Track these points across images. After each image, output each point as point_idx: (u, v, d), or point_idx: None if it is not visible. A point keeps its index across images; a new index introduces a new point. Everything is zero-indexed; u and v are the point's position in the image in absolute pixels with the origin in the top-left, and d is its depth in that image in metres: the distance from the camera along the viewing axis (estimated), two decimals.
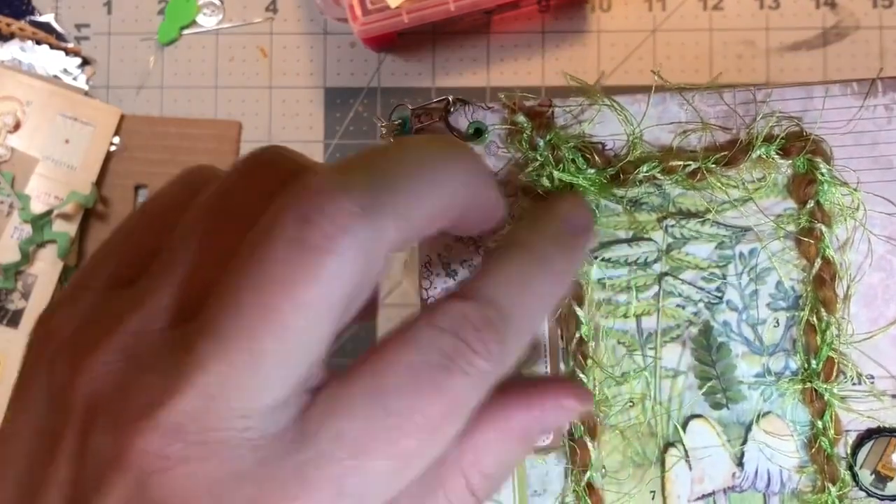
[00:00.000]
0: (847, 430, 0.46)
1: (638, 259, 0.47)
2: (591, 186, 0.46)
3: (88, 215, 0.91)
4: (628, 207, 0.46)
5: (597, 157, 0.46)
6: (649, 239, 0.47)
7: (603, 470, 0.47)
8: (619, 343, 0.47)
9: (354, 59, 0.89)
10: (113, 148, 0.90)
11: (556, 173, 0.46)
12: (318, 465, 0.32)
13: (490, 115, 0.47)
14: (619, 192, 0.46)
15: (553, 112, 0.46)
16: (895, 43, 0.90)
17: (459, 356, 0.34)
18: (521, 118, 0.46)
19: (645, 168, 0.45)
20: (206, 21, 0.91)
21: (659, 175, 0.46)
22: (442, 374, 0.34)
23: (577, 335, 0.47)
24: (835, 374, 0.46)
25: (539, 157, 0.46)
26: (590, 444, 0.47)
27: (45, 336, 0.37)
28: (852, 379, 0.46)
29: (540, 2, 0.87)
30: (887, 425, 0.46)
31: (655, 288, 0.47)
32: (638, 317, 0.47)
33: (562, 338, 0.47)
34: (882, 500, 0.46)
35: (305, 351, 0.33)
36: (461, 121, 0.46)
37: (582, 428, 0.47)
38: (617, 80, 0.85)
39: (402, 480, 0.34)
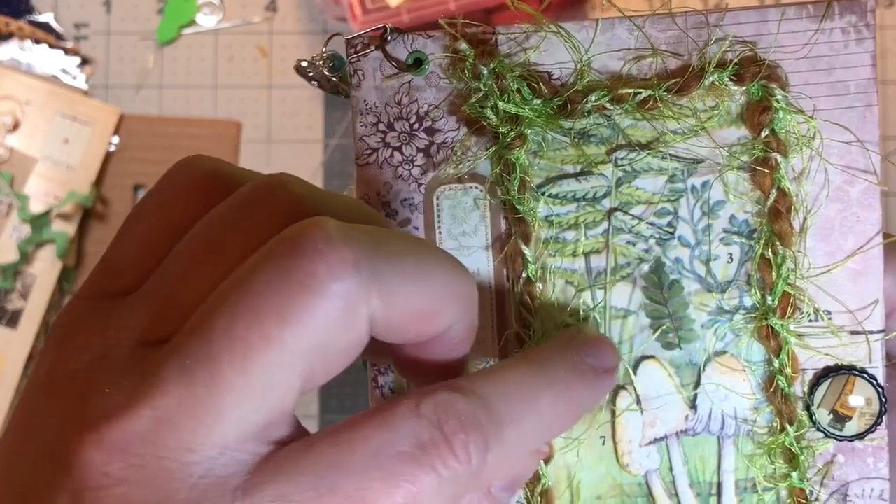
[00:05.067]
0: (803, 369, 0.42)
1: (586, 194, 0.43)
2: (537, 118, 0.42)
3: (87, 215, 0.88)
4: (576, 140, 0.43)
5: (543, 87, 0.42)
6: (598, 173, 0.43)
7: None
8: (567, 283, 0.43)
9: None
10: (112, 147, 0.88)
11: (500, 104, 0.42)
12: None
13: (430, 43, 0.42)
14: (567, 123, 0.42)
15: (497, 39, 0.42)
16: (895, 43, 0.88)
17: (434, 451, 0.31)
18: (463, 46, 0.42)
19: (593, 97, 0.42)
20: (206, 20, 0.90)
21: (608, 104, 0.42)
22: (408, 466, 0.31)
23: (524, 275, 0.43)
24: (791, 310, 0.41)
25: (482, 87, 0.42)
26: None
27: (48, 340, 0.35)
28: (809, 315, 0.42)
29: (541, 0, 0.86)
30: (845, 363, 0.42)
31: (605, 224, 0.43)
32: (587, 255, 0.43)
33: (508, 278, 0.43)
34: (840, 440, 0.42)
35: (267, 394, 0.30)
36: (400, 50, 0.42)
37: None
38: None
39: None
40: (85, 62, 0.89)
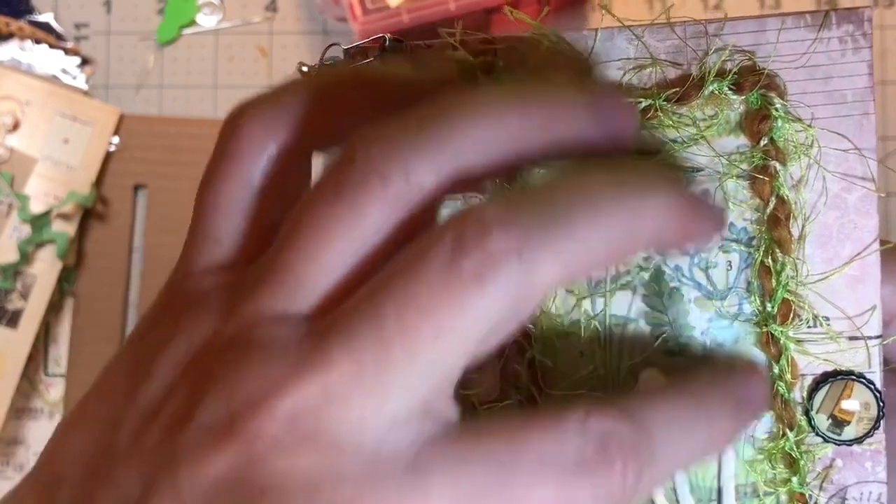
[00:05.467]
0: (802, 375, 0.42)
1: None
2: None
3: (88, 215, 0.88)
4: None
5: None
6: None
7: None
8: (567, 292, 0.43)
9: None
10: (112, 148, 0.88)
11: None
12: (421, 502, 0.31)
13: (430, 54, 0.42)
14: None
15: (497, 49, 0.42)
16: (895, 43, 0.88)
17: (595, 470, 0.32)
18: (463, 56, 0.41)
19: None
20: (206, 20, 0.90)
21: None
22: (571, 479, 0.32)
23: None
24: (791, 316, 0.42)
25: None
26: (538, 398, 0.44)
27: (176, 295, 0.36)
28: (807, 321, 0.42)
29: (540, 1, 0.86)
30: (843, 368, 0.42)
31: None
32: None
33: None
34: (839, 444, 0.42)
35: (434, 376, 0.32)
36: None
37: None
38: None
39: None
40: (85, 62, 0.89)
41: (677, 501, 0.43)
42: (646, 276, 0.43)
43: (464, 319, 0.31)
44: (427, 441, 0.32)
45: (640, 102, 0.42)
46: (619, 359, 0.43)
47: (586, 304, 0.43)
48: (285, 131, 0.37)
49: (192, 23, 0.88)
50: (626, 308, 0.43)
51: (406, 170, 0.33)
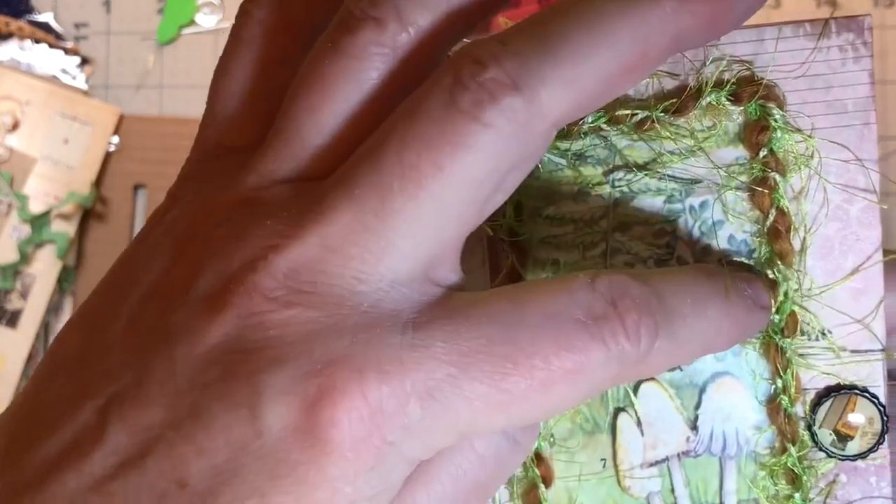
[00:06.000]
0: (805, 389, 0.41)
1: (584, 216, 0.42)
2: None
3: (87, 215, 0.88)
4: (573, 161, 0.42)
5: None
6: (596, 194, 0.42)
7: (551, 438, 0.42)
8: None
9: None
10: (112, 147, 0.88)
11: None
12: (419, 358, 0.30)
13: None
14: (563, 144, 0.42)
15: None
16: (895, 43, 0.87)
17: (606, 326, 0.31)
18: None
19: (590, 119, 0.41)
20: (206, 20, 0.89)
21: (605, 126, 0.41)
22: (579, 333, 0.31)
23: None
24: (798, 329, 0.41)
25: None
26: None
27: (183, 182, 0.36)
28: (809, 335, 0.41)
29: (540, 1, 0.85)
30: (847, 382, 0.41)
31: (602, 245, 0.42)
32: None
33: None
34: (842, 459, 0.41)
35: (438, 224, 0.31)
36: None
37: None
38: None
39: (487, 421, 0.31)
40: (85, 62, 0.89)
41: None
42: None
43: (465, 156, 0.30)
44: (428, 304, 0.31)
45: (637, 115, 0.41)
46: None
47: None
48: (293, 8, 0.37)
49: (192, 23, 0.88)
50: None
51: (398, 8, 0.33)
